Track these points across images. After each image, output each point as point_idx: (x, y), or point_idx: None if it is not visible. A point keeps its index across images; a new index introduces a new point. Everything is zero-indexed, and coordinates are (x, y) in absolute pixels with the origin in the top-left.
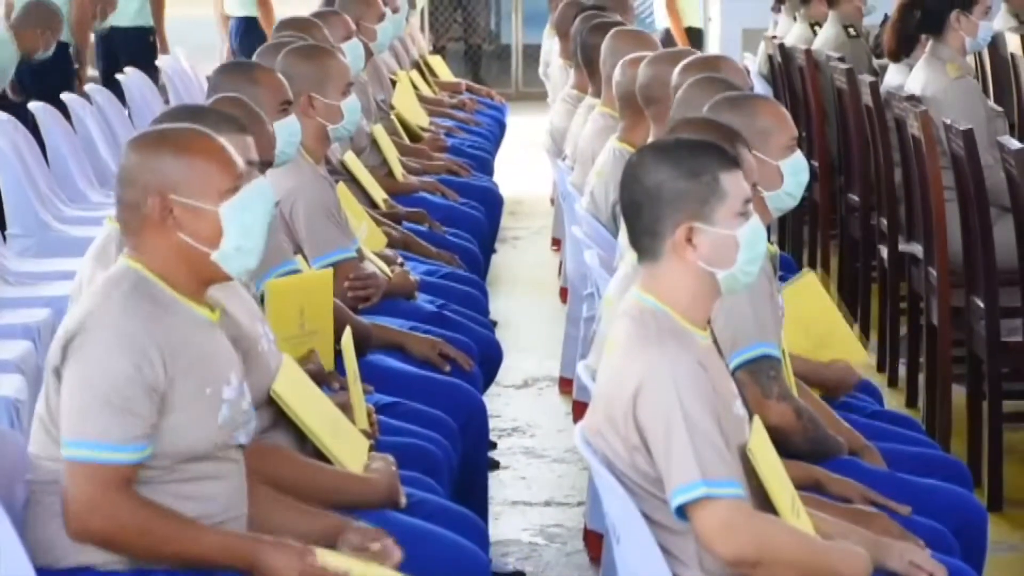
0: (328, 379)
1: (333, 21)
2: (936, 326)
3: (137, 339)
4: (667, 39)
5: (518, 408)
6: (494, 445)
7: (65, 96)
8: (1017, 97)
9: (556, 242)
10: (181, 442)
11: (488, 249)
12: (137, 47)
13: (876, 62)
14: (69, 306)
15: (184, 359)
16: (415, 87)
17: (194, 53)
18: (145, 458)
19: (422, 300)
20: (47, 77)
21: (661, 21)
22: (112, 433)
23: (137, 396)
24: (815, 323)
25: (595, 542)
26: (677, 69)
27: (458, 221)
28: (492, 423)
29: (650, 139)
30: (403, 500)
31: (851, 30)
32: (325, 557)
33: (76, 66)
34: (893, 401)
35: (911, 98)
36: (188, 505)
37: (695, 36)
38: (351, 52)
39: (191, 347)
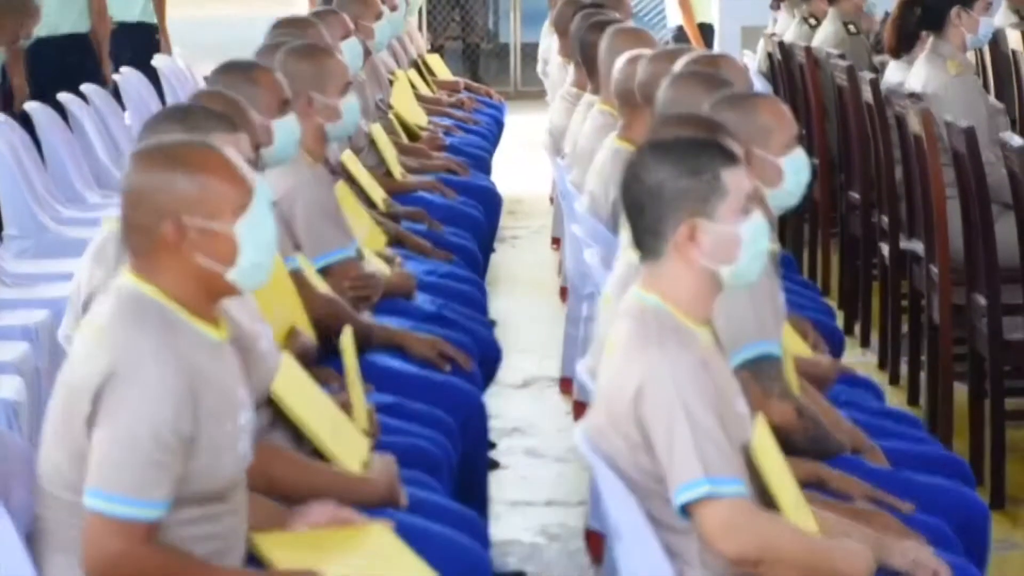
0: (322, 375)
1: (331, 20)
2: (937, 324)
3: (173, 385)
4: (679, 35)
5: (518, 408)
6: (494, 445)
7: (62, 96)
8: (1018, 93)
9: (556, 241)
10: (204, 484)
11: (487, 248)
12: (141, 44)
13: (876, 59)
14: (67, 308)
15: (208, 399)
16: (413, 86)
17: (193, 53)
18: (169, 508)
19: (421, 300)
20: (75, 75)
21: (673, 18)
22: (148, 490)
23: (174, 448)
24: None
25: (596, 542)
26: (677, 67)
27: (457, 220)
28: (492, 423)
29: None
30: (403, 500)
31: (851, 27)
32: None
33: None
34: (895, 399)
35: (912, 95)
36: (199, 545)
37: (707, 32)
38: (349, 51)
39: (211, 382)
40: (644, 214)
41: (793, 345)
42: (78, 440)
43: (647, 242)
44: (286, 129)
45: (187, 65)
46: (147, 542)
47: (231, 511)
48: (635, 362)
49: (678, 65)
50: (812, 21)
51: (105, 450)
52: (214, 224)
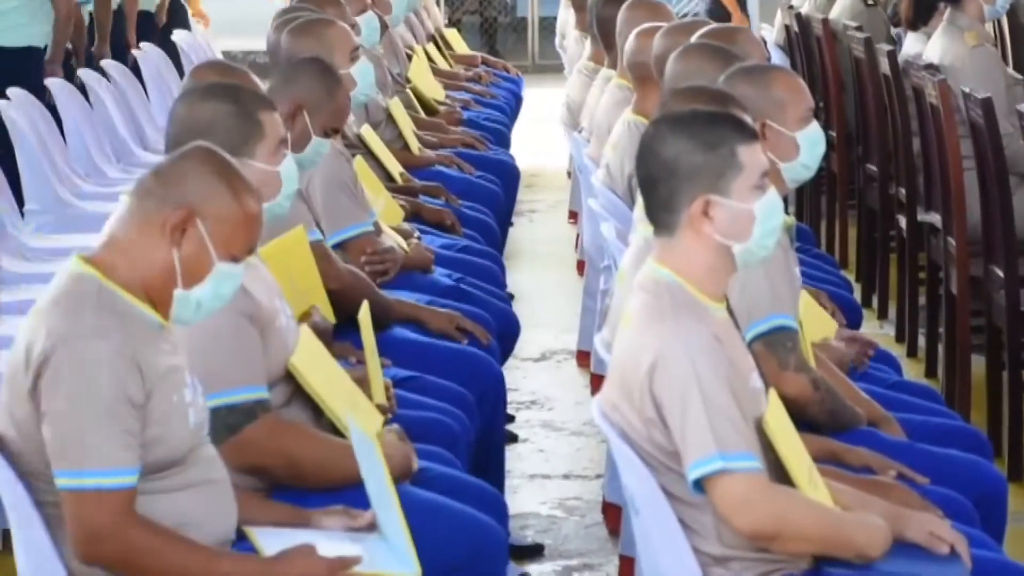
0: (340, 350)
1: None
2: (955, 296)
3: (117, 356)
4: (715, 5)
5: (536, 381)
6: (512, 418)
7: (82, 72)
8: None
9: (573, 215)
10: (160, 453)
11: (505, 222)
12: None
13: (894, 31)
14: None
15: (154, 371)
16: (431, 60)
17: (212, 28)
18: (139, 474)
19: (439, 274)
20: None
21: None
22: (115, 458)
23: (129, 414)
24: None
25: (614, 514)
26: (692, 40)
27: (475, 194)
28: (510, 396)
29: None
30: (415, 465)
31: None
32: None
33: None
34: (912, 372)
35: (929, 67)
36: (171, 516)
37: (741, 1)
38: (367, 25)
39: (156, 355)
40: (658, 188)
41: (818, 322)
42: (25, 418)
43: (661, 216)
44: (361, 71)
45: (206, 40)
46: (129, 513)
47: (191, 483)
48: (649, 336)
49: (694, 38)
50: None
51: (62, 430)
52: (210, 245)
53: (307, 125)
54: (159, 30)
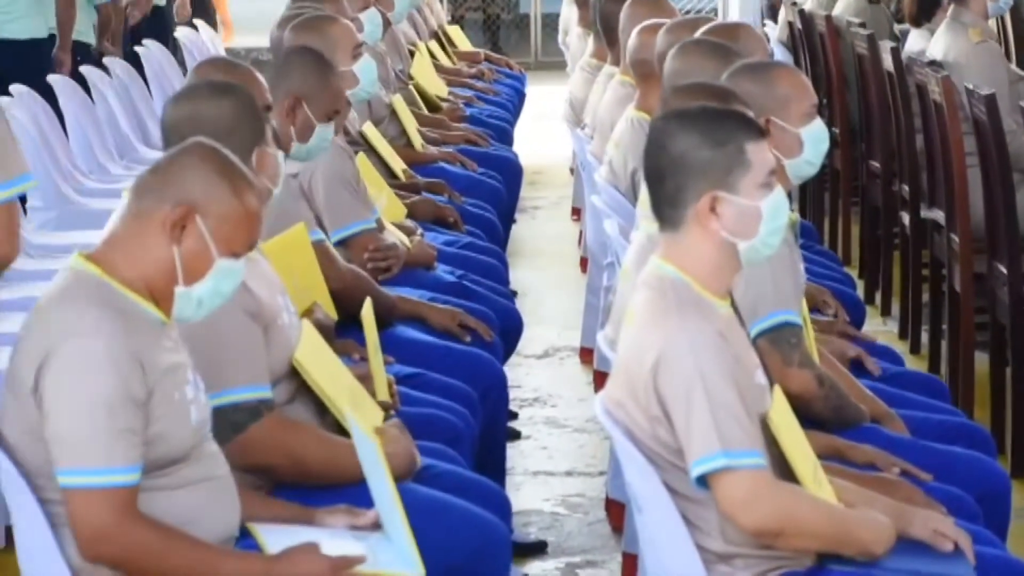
0: (343, 347)
1: None
2: (958, 293)
3: (120, 354)
4: None
5: (539, 378)
6: (515, 415)
7: (84, 69)
8: None
9: (576, 212)
10: (161, 451)
11: (508, 219)
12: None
13: (897, 27)
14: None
15: (156, 368)
16: (433, 57)
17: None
18: (142, 471)
19: (442, 271)
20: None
21: None
22: (118, 456)
23: (131, 412)
24: None
25: (617, 512)
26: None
27: (477, 191)
28: (513, 393)
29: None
30: (419, 461)
31: None
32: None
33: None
34: (915, 368)
35: (933, 63)
36: (173, 513)
37: None
38: (369, 22)
39: (157, 353)
40: (665, 183)
41: None
42: (27, 415)
43: (666, 211)
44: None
45: (210, 37)
46: (132, 511)
47: (193, 481)
48: (654, 333)
49: (697, 35)
50: None
51: (65, 428)
52: (210, 241)
53: (308, 115)
54: (173, 23)
